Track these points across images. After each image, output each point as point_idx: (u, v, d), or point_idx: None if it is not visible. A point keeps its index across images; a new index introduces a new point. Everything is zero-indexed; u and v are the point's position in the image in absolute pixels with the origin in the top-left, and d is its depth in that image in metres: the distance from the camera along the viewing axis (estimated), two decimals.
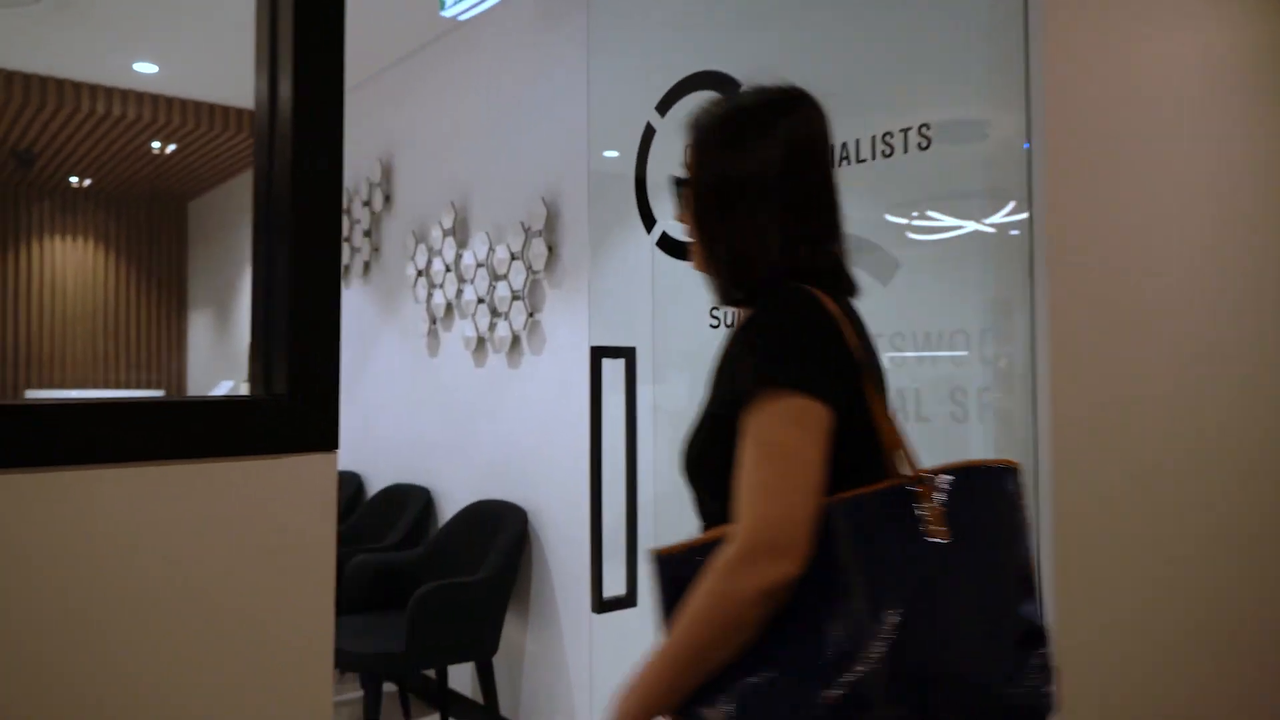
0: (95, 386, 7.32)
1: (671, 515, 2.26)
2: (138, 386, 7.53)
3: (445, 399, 3.95)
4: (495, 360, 3.62)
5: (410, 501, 4.02)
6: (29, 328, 7.12)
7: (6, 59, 4.53)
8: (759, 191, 1.10)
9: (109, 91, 4.84)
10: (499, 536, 3.35)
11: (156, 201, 7.67)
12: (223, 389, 5.63)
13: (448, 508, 3.89)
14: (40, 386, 7.11)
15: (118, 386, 7.47)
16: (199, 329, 7.55)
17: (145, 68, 4.52)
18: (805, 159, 1.12)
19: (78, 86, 4.75)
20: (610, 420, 2.29)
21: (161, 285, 7.74)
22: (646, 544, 2.20)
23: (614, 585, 2.23)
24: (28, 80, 4.63)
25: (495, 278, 3.56)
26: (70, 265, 7.37)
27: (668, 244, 2.43)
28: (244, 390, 5.47)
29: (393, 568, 3.49)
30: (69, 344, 7.31)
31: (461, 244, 3.84)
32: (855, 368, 1.05)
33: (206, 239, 7.37)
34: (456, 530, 3.57)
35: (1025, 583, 1.03)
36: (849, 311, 1.11)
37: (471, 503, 3.61)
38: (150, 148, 5.76)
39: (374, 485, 4.47)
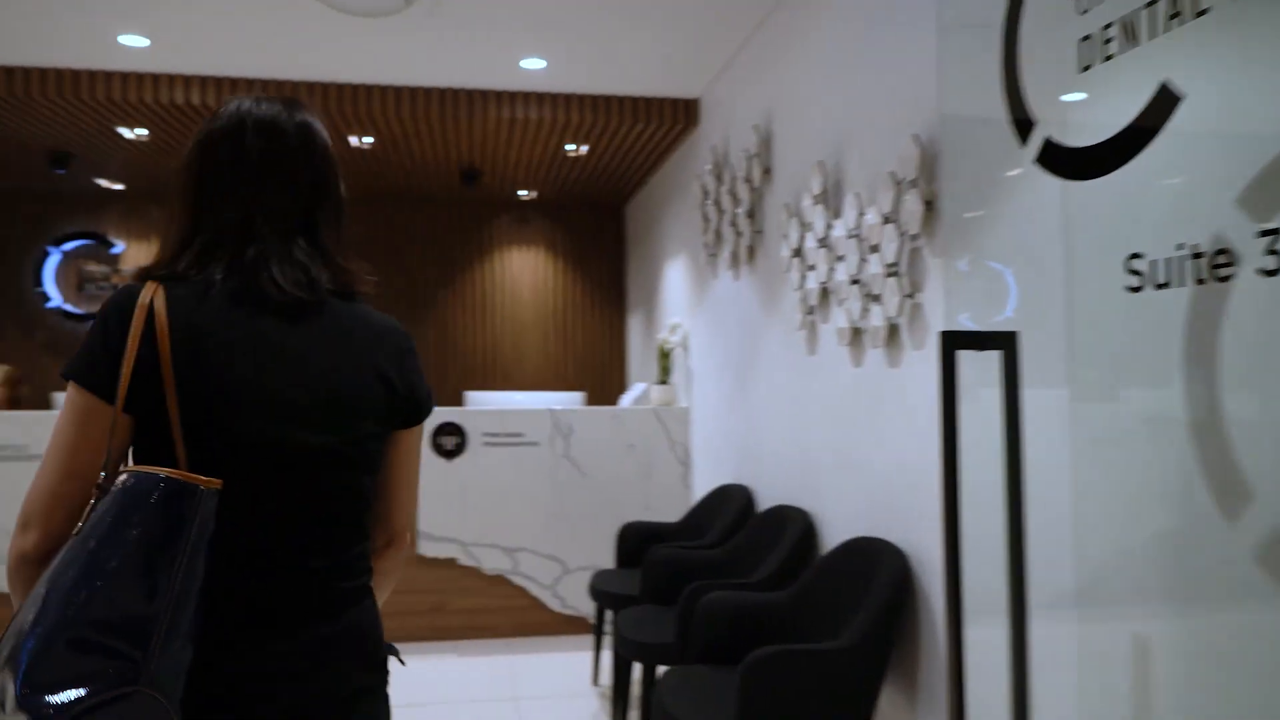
0: (537, 388, 7.82)
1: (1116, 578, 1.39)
2: (573, 389, 7.89)
3: (824, 405, 3.22)
4: (873, 356, 2.81)
5: (789, 526, 3.36)
6: (493, 334, 7.82)
7: (405, 71, 4.73)
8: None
9: (511, 95, 4.91)
10: (873, 585, 2.55)
11: (596, 207, 7.98)
12: (635, 391, 5.50)
13: (830, 537, 3.16)
14: (484, 388, 7.79)
15: (559, 388, 7.90)
16: (634, 331, 7.68)
17: (533, 63, 4.46)
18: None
19: (480, 94, 4.88)
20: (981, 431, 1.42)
21: (603, 290, 8.03)
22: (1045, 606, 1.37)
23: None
24: (428, 95, 4.86)
25: (867, 250, 2.75)
26: (525, 274, 7.95)
27: (1055, 158, 1.47)
28: (655, 394, 5.30)
29: (751, 612, 2.86)
30: (525, 349, 7.90)
31: (833, 212, 3.08)
32: (148, 368, 1.11)
33: (637, 240, 7.45)
34: (831, 571, 2.83)
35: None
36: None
37: (850, 538, 2.84)
38: (565, 150, 5.84)
39: (763, 501, 3.89)
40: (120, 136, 5.32)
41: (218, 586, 1.10)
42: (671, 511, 4.83)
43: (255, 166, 1.22)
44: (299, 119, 1.26)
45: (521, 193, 7.37)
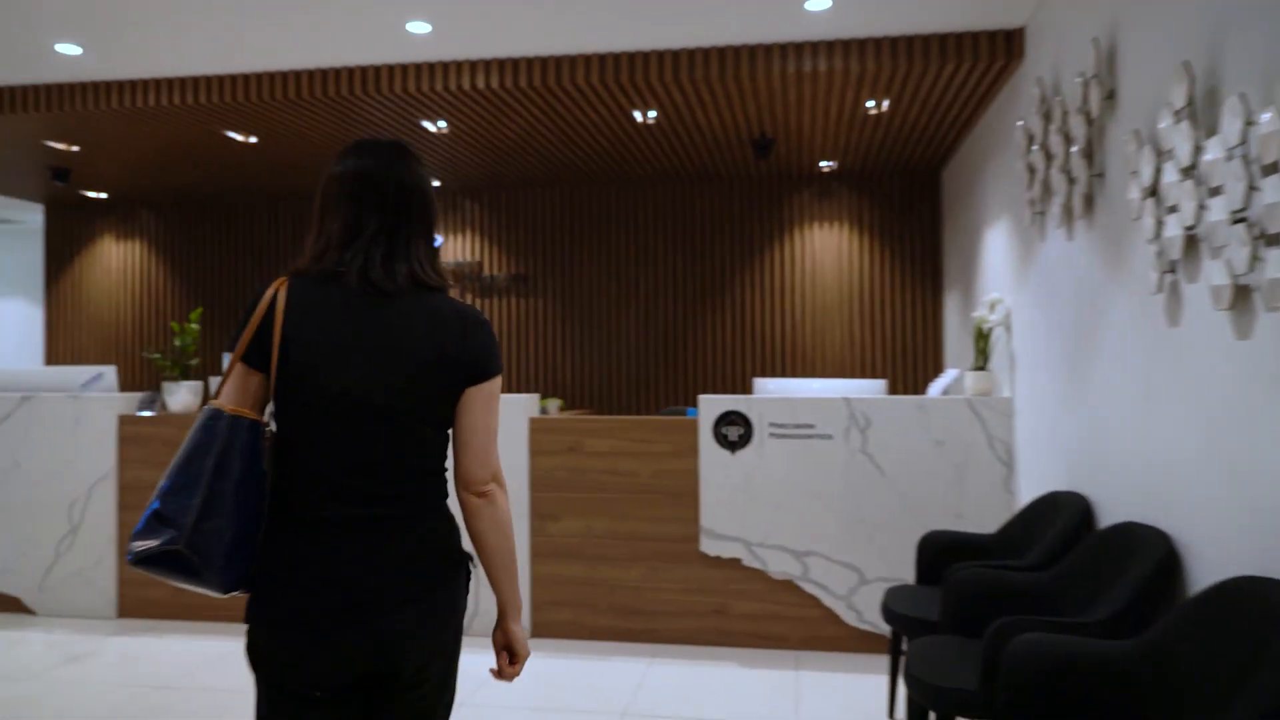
0: (838, 375, 7.21)
1: None
2: (881, 377, 7.17)
3: (1192, 391, 2.40)
4: (1268, 324, 1.99)
5: (1140, 551, 2.57)
6: (791, 318, 7.34)
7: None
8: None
9: (797, 47, 4.40)
10: (1275, 652, 1.77)
11: (908, 174, 7.20)
12: (945, 379, 4.77)
13: (1200, 571, 2.35)
14: (783, 374, 7.30)
15: (862, 375, 7.23)
16: (950, 312, 6.83)
17: (818, 2, 3.93)
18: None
19: (764, 49, 4.42)
20: None
21: (916, 266, 7.23)
22: None
23: None
24: (707, 55, 4.47)
25: (1259, 173, 1.94)
26: (828, 252, 7.38)
27: None
28: (969, 382, 4.54)
29: (1081, 667, 2.16)
30: (826, 333, 7.33)
31: (1205, 129, 2.26)
32: (265, 335, 1.56)
33: (954, 208, 6.59)
34: (1204, 622, 2.05)
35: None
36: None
37: (1233, 577, 2.05)
38: (864, 108, 5.21)
39: (1105, 515, 3.08)
40: (424, 130, 5.55)
41: (297, 506, 1.54)
42: (986, 521, 4.08)
43: (355, 194, 1.62)
44: (395, 160, 1.66)
45: (823, 164, 6.83)
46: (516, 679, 2.02)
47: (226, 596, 1.52)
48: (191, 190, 7.72)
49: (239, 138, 5.70)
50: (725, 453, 4.32)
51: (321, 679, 1.52)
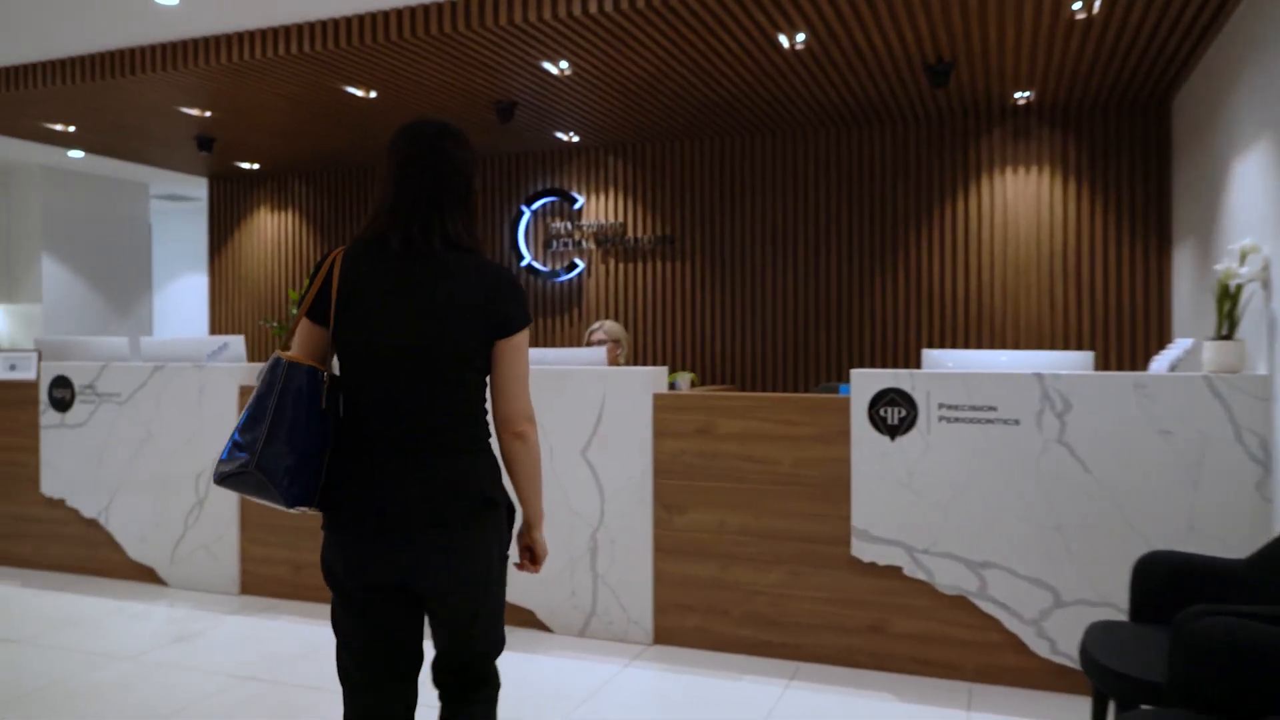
0: (1033, 347, 6.14)
1: None
2: (1080, 347, 6.04)
3: None
4: None
5: None
6: (977, 279, 6.34)
7: None
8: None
9: None
10: None
11: (1126, 105, 6.00)
12: (1174, 351, 3.77)
13: None
14: (965, 346, 6.30)
15: (1063, 347, 6.13)
16: (1180, 270, 5.63)
17: None
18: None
19: None
20: None
21: (1136, 216, 6.04)
22: None
23: None
24: None
25: None
26: (1022, 202, 6.30)
27: None
28: (1209, 354, 3.49)
29: None
30: (1020, 297, 6.27)
31: None
32: (325, 295, 1.82)
33: (1189, 144, 5.39)
34: None
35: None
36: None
37: None
38: (1070, 12, 4.21)
39: None
40: (546, 74, 5.04)
41: (352, 438, 1.81)
42: (1232, 538, 3.13)
43: (400, 171, 1.85)
44: (435, 136, 1.88)
45: (1016, 95, 5.78)
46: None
47: (294, 511, 1.79)
48: (337, 159, 7.65)
49: (358, 93, 5.43)
50: (883, 438, 3.57)
51: (367, 582, 1.79)
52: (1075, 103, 5.97)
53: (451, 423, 1.80)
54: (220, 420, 4.72)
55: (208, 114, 6.03)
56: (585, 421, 4.02)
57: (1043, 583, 3.39)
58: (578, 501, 4.02)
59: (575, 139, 6.79)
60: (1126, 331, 6.04)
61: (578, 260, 7.28)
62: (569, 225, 7.24)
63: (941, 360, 3.89)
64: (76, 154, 7.69)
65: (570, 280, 7.36)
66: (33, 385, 5.25)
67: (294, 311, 4.72)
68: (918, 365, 6.35)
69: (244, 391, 4.71)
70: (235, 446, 1.76)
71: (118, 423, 4.99)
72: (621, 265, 7.14)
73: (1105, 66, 5.07)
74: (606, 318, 7.08)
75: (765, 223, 6.74)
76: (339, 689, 1.91)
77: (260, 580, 4.68)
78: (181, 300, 10.95)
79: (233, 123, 6.30)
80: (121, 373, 4.99)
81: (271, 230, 8.54)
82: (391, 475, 1.76)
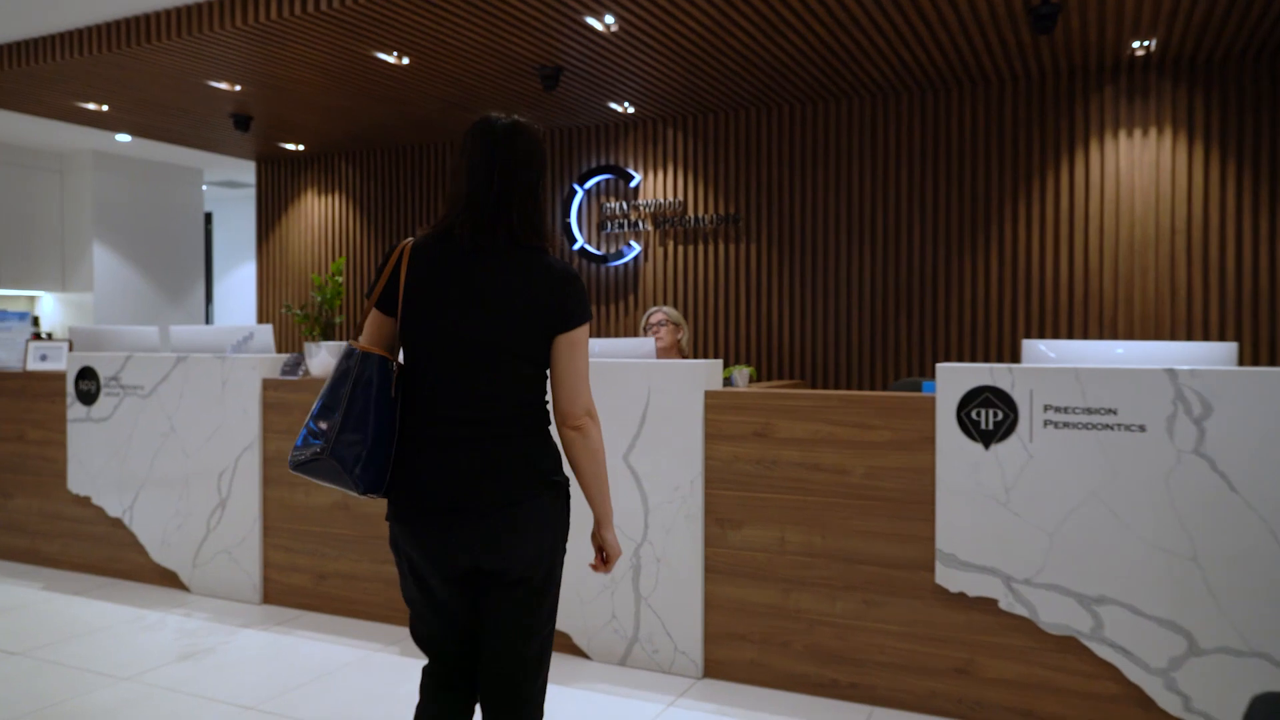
0: (1151, 337, 5.39)
1: None
2: (1214, 337, 5.27)
3: None
4: None
5: None
6: (1084, 260, 5.61)
7: None
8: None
9: None
10: None
11: (1268, 54, 5.20)
12: None
13: None
14: (1070, 335, 5.57)
15: (1190, 337, 5.36)
16: None
17: None
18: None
19: None
20: None
21: (1279, 182, 5.25)
22: None
23: None
24: None
25: None
26: (1139, 171, 5.55)
27: None
28: None
29: None
30: (1137, 280, 5.53)
31: None
32: (394, 286, 1.89)
33: None
34: None
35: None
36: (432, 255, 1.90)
37: None
38: None
39: None
40: (591, 31, 4.54)
41: (417, 425, 1.87)
42: None
43: (469, 167, 1.89)
44: (504, 131, 1.91)
45: (1134, 44, 5.04)
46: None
47: (365, 497, 1.85)
48: (380, 138, 7.33)
49: (389, 59, 5.03)
50: (975, 446, 2.99)
51: (444, 569, 1.89)
52: (1204, 53, 5.20)
53: (514, 413, 1.87)
54: (243, 415, 4.39)
55: (237, 88, 5.73)
56: (628, 421, 3.53)
57: (1174, 625, 2.77)
58: (619, 513, 3.54)
59: (630, 110, 6.27)
60: (1265, 321, 5.26)
61: (633, 243, 6.75)
62: (624, 205, 6.72)
63: (1045, 353, 3.28)
64: (124, 138, 7.53)
65: (625, 264, 6.85)
66: (62, 376, 5.02)
67: (316, 296, 4.37)
68: (1016, 359, 5.67)
69: (267, 385, 4.37)
70: (310, 434, 1.84)
71: (141, 417, 4.71)
72: (681, 248, 6.61)
73: (1244, 8, 4.33)
74: (664, 304, 6.57)
75: (839, 199, 6.12)
76: None
77: (283, 589, 4.34)
78: (243, 289, 10.85)
79: (266, 98, 5.99)
80: (145, 364, 4.71)
81: (318, 214, 8.26)
82: (458, 461, 1.83)
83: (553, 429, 1.93)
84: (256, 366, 4.40)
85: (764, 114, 6.32)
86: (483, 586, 1.89)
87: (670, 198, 6.68)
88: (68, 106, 6.07)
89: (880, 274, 6.00)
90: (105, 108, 6.06)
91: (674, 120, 6.58)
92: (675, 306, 6.57)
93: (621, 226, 6.73)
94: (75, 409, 4.91)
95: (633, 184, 6.69)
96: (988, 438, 2.98)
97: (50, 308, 9.14)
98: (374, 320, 1.90)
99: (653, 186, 6.71)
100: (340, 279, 4.32)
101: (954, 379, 3.03)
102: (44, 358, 5.27)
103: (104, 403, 4.82)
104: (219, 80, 5.57)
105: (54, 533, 5.01)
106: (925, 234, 5.87)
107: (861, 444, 3.18)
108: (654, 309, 4.60)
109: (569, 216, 6.96)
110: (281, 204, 8.46)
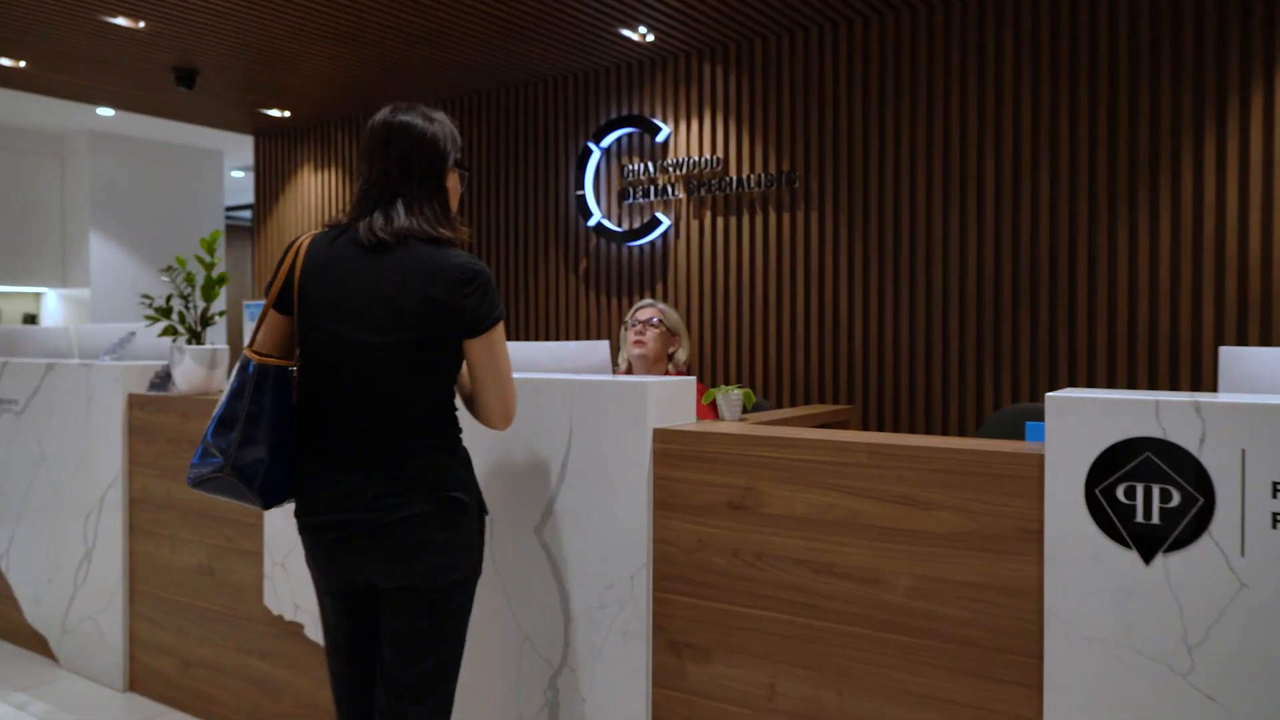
0: None
1: None
2: None
3: None
4: None
5: None
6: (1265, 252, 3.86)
7: None
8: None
9: None
10: None
11: None
12: None
13: None
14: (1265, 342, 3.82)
15: None
16: None
17: None
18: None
19: None
20: None
21: None
22: None
23: None
24: None
25: None
26: None
27: None
28: None
29: None
30: None
31: None
32: (289, 285, 1.79)
33: None
34: None
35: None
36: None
37: None
38: None
39: None
40: None
41: (314, 435, 1.79)
42: None
43: (367, 159, 1.82)
44: (395, 121, 1.81)
45: None
46: None
47: (268, 510, 1.80)
48: (363, 97, 6.18)
49: None
50: (1125, 555, 1.56)
51: (329, 582, 1.83)
52: None
53: (414, 422, 1.77)
54: (106, 442, 3.34)
55: (141, 25, 4.67)
56: (539, 473, 2.24)
57: None
58: (528, 617, 2.24)
59: (650, 38, 4.81)
60: None
61: (661, 215, 5.23)
62: (650, 166, 5.28)
63: (1262, 372, 1.78)
64: (106, 112, 6.69)
65: (653, 243, 5.35)
66: None
67: (184, 284, 3.28)
68: (1202, 383, 3.99)
69: (133, 402, 3.30)
70: (206, 450, 1.78)
71: (16, 438, 3.74)
72: (721, 220, 5.11)
73: None
74: (687, 295, 5.12)
75: (934, 148, 4.46)
76: None
77: (148, 675, 3.27)
78: None
79: (190, 40, 4.91)
80: (18, 373, 3.74)
81: (315, 192, 7.12)
82: (350, 478, 1.76)
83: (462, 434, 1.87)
84: (120, 378, 3.33)
85: (829, 35, 4.68)
86: (378, 604, 1.83)
87: (706, 154, 5.15)
88: None
89: (992, 250, 4.34)
90: (22, 63, 5.20)
91: (708, 50, 5.07)
92: (713, 297, 5.11)
93: (647, 194, 5.28)
94: None
95: (659, 138, 5.22)
96: (1151, 541, 1.53)
97: (53, 305, 8.46)
98: (270, 321, 1.82)
99: (684, 141, 5.21)
100: (216, 261, 3.18)
101: (1081, 421, 1.59)
102: None
103: None
104: (114, 15, 4.47)
105: None
106: (1059, 192, 4.21)
107: (907, 534, 1.78)
108: (645, 301, 3.24)
109: (583, 186, 5.51)
110: (279, 182, 7.46)
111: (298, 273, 1.78)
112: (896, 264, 4.64)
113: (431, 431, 1.78)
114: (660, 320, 3.16)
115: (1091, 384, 4.18)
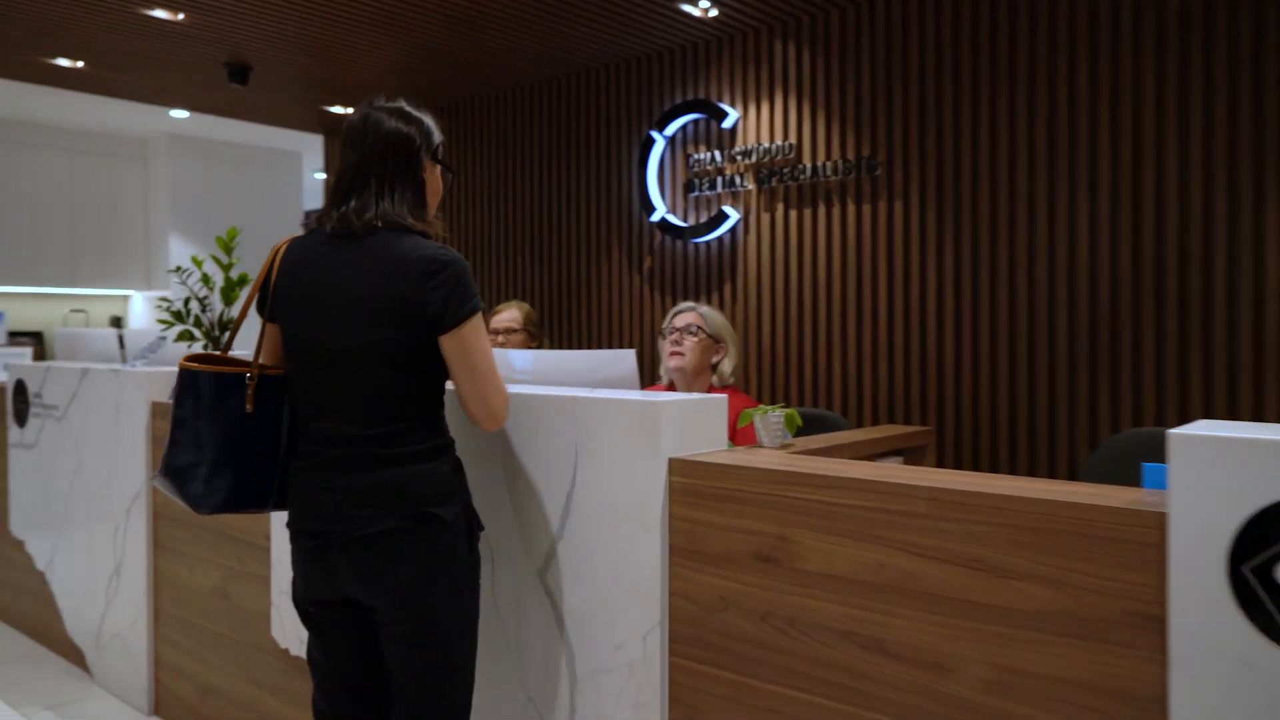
0: None
1: None
2: None
3: None
4: None
5: None
6: None
7: None
8: None
9: None
10: None
11: None
12: None
13: None
14: None
15: None
16: None
17: None
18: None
19: None
20: None
21: None
22: None
23: None
24: None
25: None
26: None
27: None
28: None
29: None
30: None
31: None
32: (267, 289, 1.76)
33: None
34: None
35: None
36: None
37: None
38: None
39: None
40: None
41: (298, 440, 1.75)
42: None
43: (343, 147, 1.76)
44: (372, 113, 1.75)
45: None
46: None
47: (207, 513, 1.76)
48: (451, 102, 5.96)
49: None
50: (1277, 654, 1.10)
51: (315, 597, 1.75)
52: None
53: (392, 429, 1.68)
54: (131, 450, 3.20)
55: (180, 17, 4.52)
56: (543, 507, 1.91)
57: None
58: (532, 675, 1.92)
59: (713, 14, 4.38)
60: None
61: (729, 209, 4.78)
62: (717, 155, 4.86)
63: None
64: (181, 114, 6.68)
65: (721, 238, 4.89)
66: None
67: (202, 285, 3.08)
68: None
69: (157, 411, 3.13)
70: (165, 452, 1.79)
71: (58, 445, 3.66)
72: (794, 213, 4.62)
73: None
74: (757, 294, 4.67)
75: (1036, 127, 3.92)
76: None
77: (172, 700, 3.10)
78: None
79: (233, 32, 4.76)
80: (59, 378, 3.65)
81: None
82: (325, 486, 1.69)
83: (446, 442, 1.77)
84: (145, 385, 3.17)
85: (914, 2, 4.20)
86: (362, 621, 1.75)
87: (778, 140, 4.66)
88: (40, 65, 5.18)
89: (1108, 245, 3.73)
90: (80, 64, 5.17)
91: (778, 25, 4.60)
92: (785, 299, 4.66)
93: (713, 186, 4.87)
94: (13, 431, 3.98)
95: (727, 124, 4.79)
96: None
97: (139, 308, 8.58)
98: (266, 331, 1.79)
99: (754, 126, 4.75)
100: (234, 262, 2.97)
101: (1222, 468, 1.16)
102: (6, 368, 4.39)
103: (32, 425, 3.83)
104: (152, 6, 4.32)
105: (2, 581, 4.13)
106: (1190, 177, 3.58)
107: (981, 609, 1.37)
108: (682, 305, 2.84)
109: (646, 180, 5.11)
110: None
111: (274, 277, 1.74)
112: (994, 262, 4.08)
113: (411, 438, 1.68)
114: (700, 326, 2.77)
115: (1234, 413, 3.54)
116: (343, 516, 1.66)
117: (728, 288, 4.91)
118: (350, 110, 6.34)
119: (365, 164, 1.70)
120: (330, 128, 7.10)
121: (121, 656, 3.28)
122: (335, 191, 1.73)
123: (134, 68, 5.36)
